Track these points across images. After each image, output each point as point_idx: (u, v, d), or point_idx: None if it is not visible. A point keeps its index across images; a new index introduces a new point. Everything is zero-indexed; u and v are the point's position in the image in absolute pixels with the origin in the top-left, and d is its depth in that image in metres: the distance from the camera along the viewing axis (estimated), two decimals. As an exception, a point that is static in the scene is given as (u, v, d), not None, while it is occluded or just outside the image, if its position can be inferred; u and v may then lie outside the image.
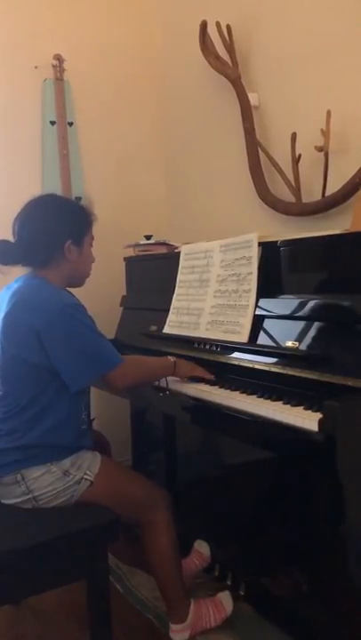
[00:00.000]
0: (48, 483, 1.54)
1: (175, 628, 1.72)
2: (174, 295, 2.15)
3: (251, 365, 1.69)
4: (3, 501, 1.58)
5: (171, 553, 1.68)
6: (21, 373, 1.56)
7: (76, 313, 1.55)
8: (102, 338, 1.59)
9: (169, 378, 1.78)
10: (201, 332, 1.95)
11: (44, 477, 1.54)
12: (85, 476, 1.57)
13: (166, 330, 2.12)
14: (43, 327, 1.50)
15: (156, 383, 1.81)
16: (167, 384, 1.78)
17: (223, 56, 2.46)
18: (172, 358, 1.78)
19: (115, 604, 1.60)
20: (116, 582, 2.03)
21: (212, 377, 1.76)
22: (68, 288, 1.72)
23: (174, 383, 1.79)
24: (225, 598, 1.81)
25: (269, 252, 1.80)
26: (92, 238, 1.77)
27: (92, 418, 2.49)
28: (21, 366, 1.55)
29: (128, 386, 1.74)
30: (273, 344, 1.67)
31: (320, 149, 2.03)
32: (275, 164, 2.27)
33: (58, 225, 1.65)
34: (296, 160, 2.14)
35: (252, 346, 1.72)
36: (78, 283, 1.76)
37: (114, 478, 1.64)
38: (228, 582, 1.90)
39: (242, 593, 1.84)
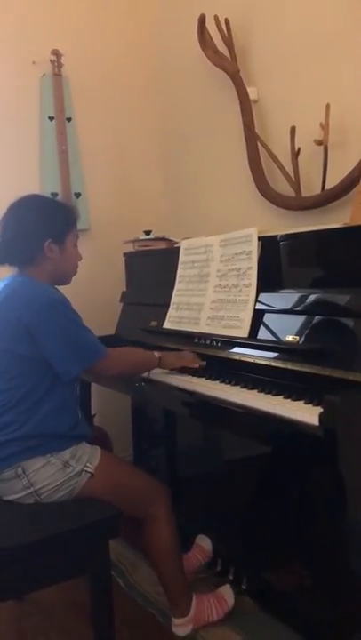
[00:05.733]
0: (49, 475, 1.55)
1: (178, 621, 1.72)
2: (174, 290, 2.15)
3: (251, 360, 1.69)
4: (4, 498, 1.59)
5: (171, 547, 1.69)
6: (17, 368, 1.58)
7: (61, 307, 1.59)
8: (87, 330, 1.64)
9: (154, 370, 1.84)
10: (201, 327, 1.95)
11: (45, 469, 1.55)
12: (86, 468, 1.58)
13: (167, 325, 2.12)
14: (31, 322, 1.54)
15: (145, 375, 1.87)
16: (149, 375, 1.86)
17: (222, 50, 2.45)
18: (157, 354, 1.82)
19: (117, 599, 1.60)
20: (119, 577, 2.04)
21: (196, 365, 1.81)
22: (55, 286, 1.75)
23: (172, 377, 1.80)
24: (227, 592, 1.82)
25: (269, 247, 1.80)
26: (77, 236, 1.79)
27: (93, 414, 2.51)
28: (16, 361, 1.58)
29: (113, 376, 1.86)
30: (273, 339, 1.67)
31: (319, 143, 2.02)
32: (274, 158, 2.26)
33: (36, 225, 1.68)
34: (295, 154, 2.13)
35: (252, 340, 1.72)
36: (63, 280, 1.79)
37: (114, 471, 1.65)
38: (230, 577, 1.90)
39: (244, 587, 1.85)
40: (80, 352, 1.59)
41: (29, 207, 1.71)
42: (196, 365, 1.83)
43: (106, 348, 1.65)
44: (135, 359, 1.84)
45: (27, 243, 1.67)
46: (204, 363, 1.83)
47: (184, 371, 1.83)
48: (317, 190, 2.08)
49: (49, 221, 1.70)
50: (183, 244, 2.18)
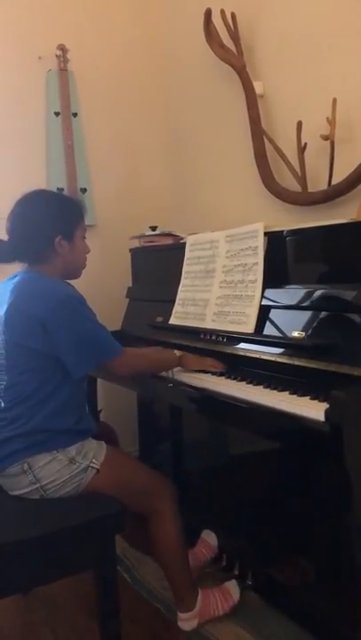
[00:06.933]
0: (55, 471, 1.55)
1: (183, 616, 1.73)
2: (180, 286, 2.15)
3: (257, 356, 1.69)
4: (10, 493, 1.59)
5: (176, 542, 1.70)
6: (27, 362, 1.58)
7: (77, 304, 1.59)
8: (103, 328, 1.63)
9: (175, 369, 1.81)
10: (207, 323, 1.95)
11: (51, 465, 1.55)
12: (92, 465, 1.58)
13: (172, 321, 2.12)
14: (46, 316, 1.54)
15: (164, 374, 1.83)
16: (172, 375, 1.81)
17: (228, 44, 2.44)
18: (178, 352, 1.81)
19: (123, 594, 1.61)
20: (125, 572, 2.04)
21: (220, 368, 1.76)
22: (66, 280, 1.75)
23: (179, 374, 1.80)
24: (232, 587, 1.82)
25: (275, 242, 1.80)
26: (85, 230, 1.78)
27: (99, 409, 2.52)
28: (27, 355, 1.58)
29: (127, 374, 1.82)
30: (279, 334, 1.67)
31: (326, 138, 2.01)
32: (280, 153, 2.25)
33: (46, 222, 1.68)
34: (302, 149, 2.12)
35: (258, 336, 1.72)
36: (74, 275, 1.79)
37: (119, 467, 1.65)
38: (236, 572, 1.90)
39: (249, 582, 1.85)
40: (92, 350, 1.59)
41: (37, 203, 1.71)
42: (219, 369, 1.76)
43: (121, 346, 1.64)
44: (152, 357, 1.83)
45: (37, 240, 1.67)
46: (225, 365, 1.77)
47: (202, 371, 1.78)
48: (324, 185, 2.07)
49: (57, 217, 1.69)
50: (189, 240, 2.18)
